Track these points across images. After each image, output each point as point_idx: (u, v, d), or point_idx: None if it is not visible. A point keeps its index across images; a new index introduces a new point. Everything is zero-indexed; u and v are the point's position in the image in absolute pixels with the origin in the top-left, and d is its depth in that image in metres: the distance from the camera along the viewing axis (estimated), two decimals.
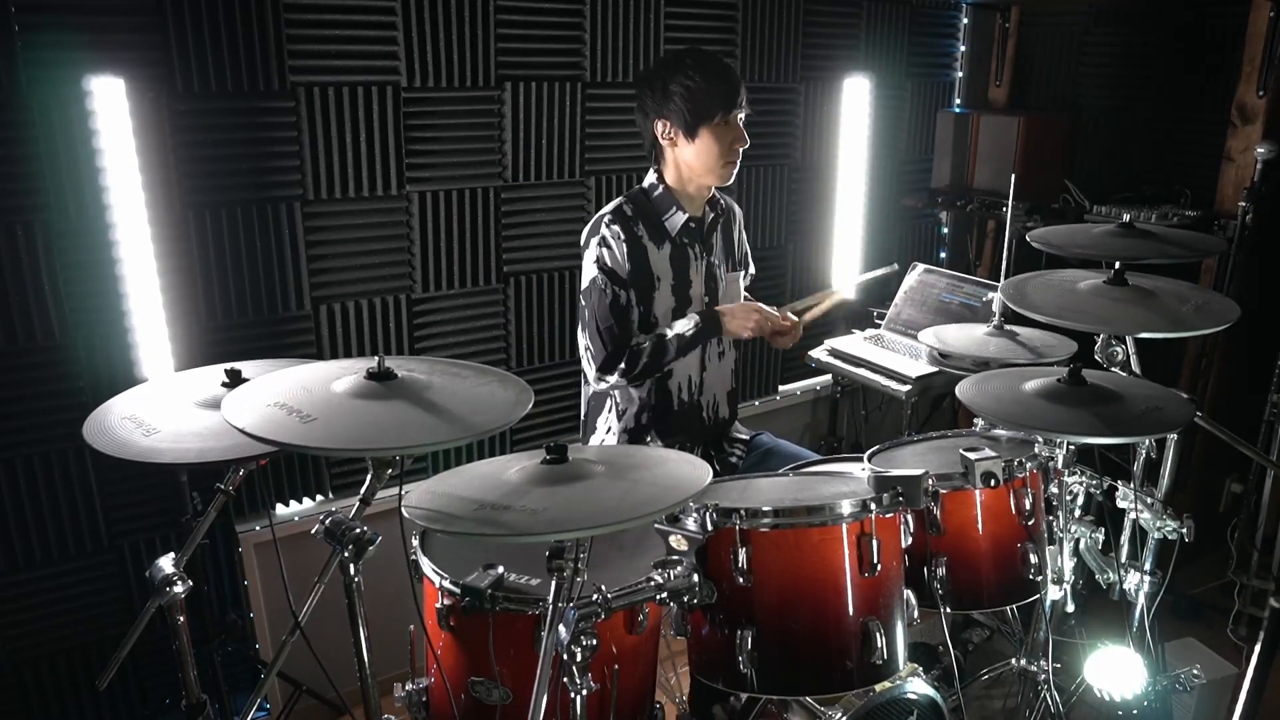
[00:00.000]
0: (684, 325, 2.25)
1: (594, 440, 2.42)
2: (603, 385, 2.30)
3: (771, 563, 1.55)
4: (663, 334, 2.24)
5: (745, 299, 2.45)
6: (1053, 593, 1.98)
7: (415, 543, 1.69)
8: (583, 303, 2.27)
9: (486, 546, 1.68)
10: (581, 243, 2.30)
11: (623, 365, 2.23)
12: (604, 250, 2.22)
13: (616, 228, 2.23)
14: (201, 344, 2.39)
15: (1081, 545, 2.08)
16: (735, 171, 2.26)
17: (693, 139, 2.20)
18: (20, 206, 2.13)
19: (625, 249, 2.22)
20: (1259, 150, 2.82)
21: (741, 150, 2.24)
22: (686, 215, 2.30)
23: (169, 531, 2.46)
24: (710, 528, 1.55)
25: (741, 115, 2.22)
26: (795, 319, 2.35)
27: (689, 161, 2.24)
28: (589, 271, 2.25)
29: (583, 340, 2.29)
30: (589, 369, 2.28)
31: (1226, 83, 3.03)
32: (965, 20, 3.78)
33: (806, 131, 3.41)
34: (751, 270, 2.56)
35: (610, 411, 2.37)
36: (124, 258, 2.23)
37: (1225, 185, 3.03)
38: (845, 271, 3.59)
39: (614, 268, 2.22)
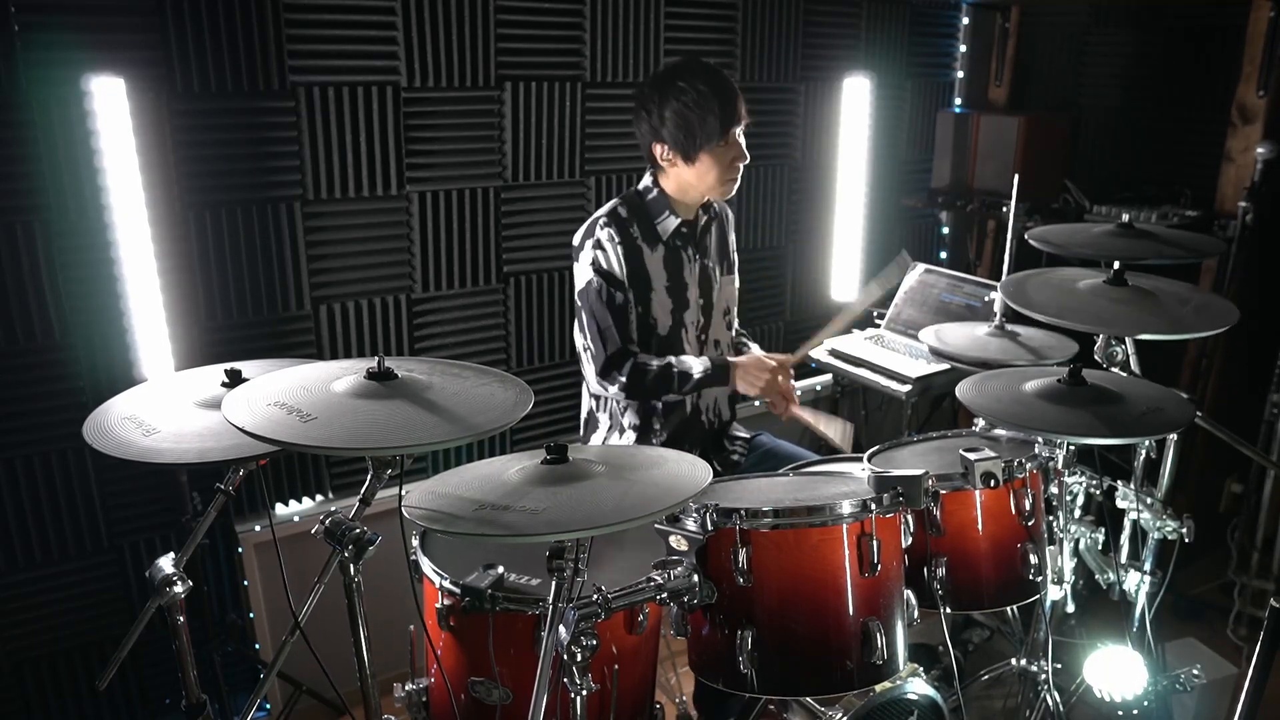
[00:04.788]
0: (696, 366, 2.24)
1: (597, 438, 2.42)
2: (601, 391, 2.29)
3: (771, 563, 1.55)
4: (670, 364, 2.23)
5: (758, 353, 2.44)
6: (1053, 593, 1.98)
7: (415, 543, 1.69)
8: (579, 304, 2.27)
9: (486, 546, 1.68)
10: (575, 244, 2.29)
11: (624, 379, 2.21)
12: (599, 253, 2.22)
13: (611, 230, 2.22)
14: (201, 344, 2.39)
15: (1081, 545, 2.08)
16: (737, 185, 2.25)
17: (692, 163, 2.19)
18: (20, 206, 2.13)
19: (621, 251, 2.22)
20: (1259, 150, 2.82)
21: (743, 165, 2.23)
22: (679, 219, 2.29)
23: (169, 531, 2.46)
24: (710, 528, 1.55)
25: (740, 129, 2.20)
26: (798, 365, 2.38)
27: (690, 182, 2.24)
28: (584, 274, 2.24)
29: (580, 341, 2.29)
30: (588, 372, 2.28)
31: (1226, 83, 3.03)
32: (965, 20, 3.77)
33: (806, 131, 3.41)
34: (735, 280, 2.51)
35: (613, 411, 2.37)
36: (124, 258, 2.23)
37: (1225, 185, 3.03)
38: (848, 279, 3.59)
39: (610, 270, 2.21)
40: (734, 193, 2.27)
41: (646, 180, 2.31)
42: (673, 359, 2.24)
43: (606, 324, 2.22)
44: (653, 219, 2.28)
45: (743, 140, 2.22)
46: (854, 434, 2.46)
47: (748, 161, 2.23)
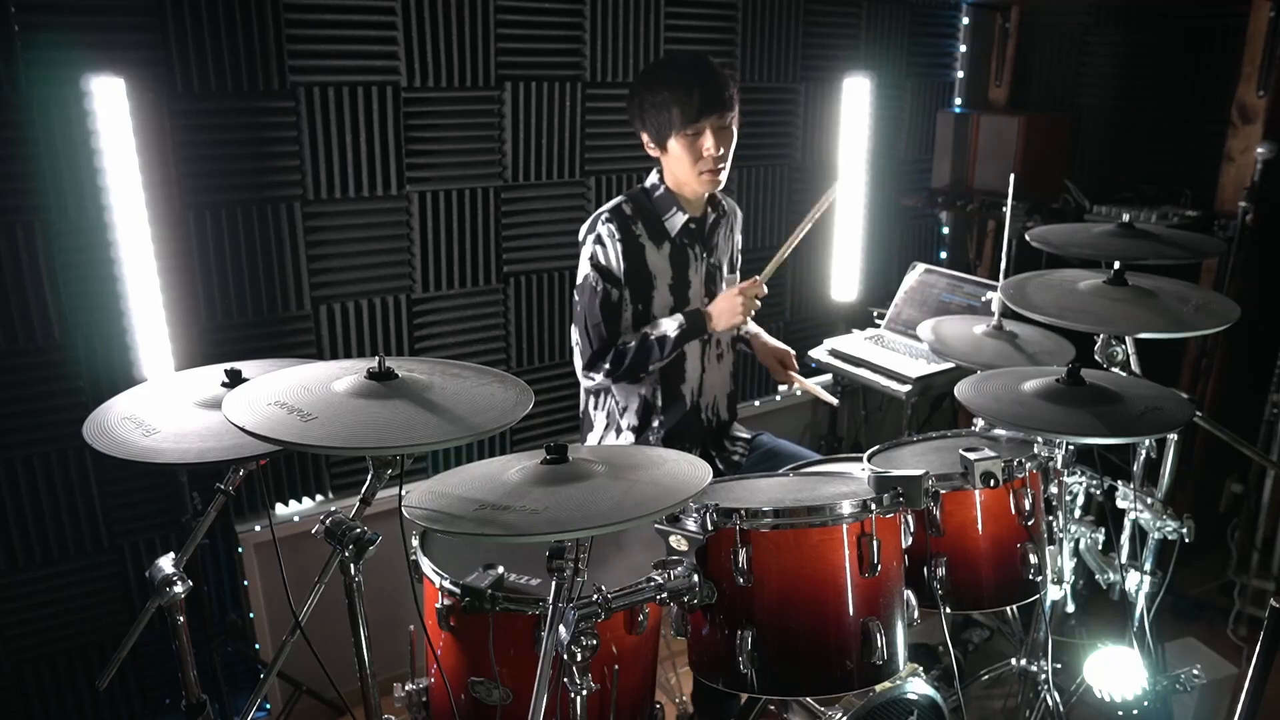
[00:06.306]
0: (669, 326, 2.23)
1: (594, 435, 2.42)
2: (588, 382, 2.31)
3: (771, 563, 1.55)
4: (646, 334, 2.23)
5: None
6: (1053, 593, 1.98)
7: (415, 543, 1.69)
8: (576, 298, 2.29)
9: (486, 546, 1.68)
10: (579, 239, 2.31)
11: (607, 365, 2.23)
12: (598, 248, 2.23)
13: (612, 226, 2.23)
14: (201, 344, 2.39)
15: (1081, 545, 2.08)
16: (719, 179, 2.21)
17: (664, 150, 2.21)
18: (20, 206, 2.13)
19: (620, 248, 2.22)
20: (1259, 150, 2.82)
21: (716, 159, 2.16)
22: (686, 216, 2.30)
23: (169, 531, 2.46)
24: (710, 528, 1.55)
25: (730, 116, 2.16)
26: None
27: (674, 170, 2.25)
28: (583, 268, 2.27)
29: (573, 335, 2.30)
30: (576, 363, 2.30)
31: (1226, 83, 3.03)
32: (965, 20, 3.77)
33: (806, 131, 3.41)
34: (738, 280, 2.51)
35: (610, 410, 2.37)
36: (124, 258, 2.23)
37: (1225, 185, 3.03)
38: (848, 279, 3.59)
39: (607, 266, 2.23)
40: (719, 186, 2.25)
41: (654, 177, 2.32)
42: (647, 328, 2.25)
43: (596, 320, 2.23)
44: (660, 215, 2.29)
45: (714, 136, 2.14)
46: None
47: (720, 154, 2.16)
